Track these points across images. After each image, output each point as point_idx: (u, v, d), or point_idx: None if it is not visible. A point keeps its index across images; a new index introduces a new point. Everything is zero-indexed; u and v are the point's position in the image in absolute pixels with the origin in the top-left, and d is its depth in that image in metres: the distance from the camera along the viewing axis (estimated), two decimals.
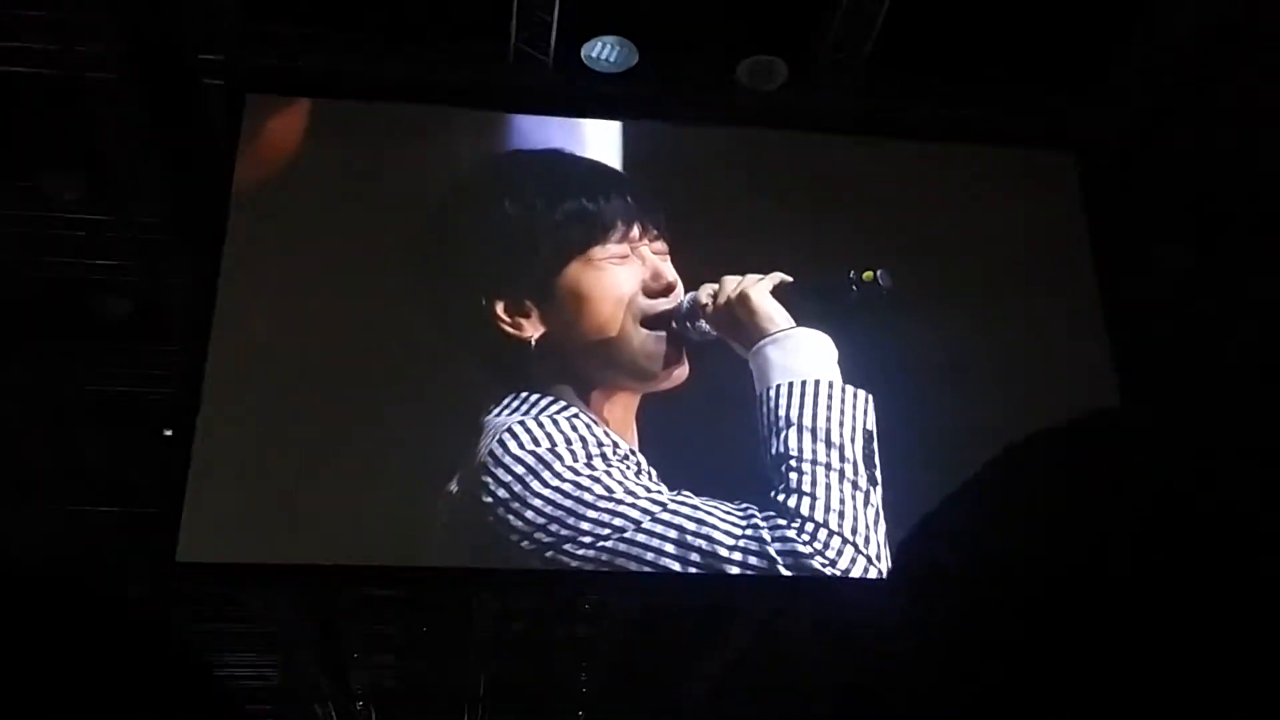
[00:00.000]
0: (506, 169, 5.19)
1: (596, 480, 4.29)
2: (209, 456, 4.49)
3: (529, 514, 4.27)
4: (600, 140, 5.21)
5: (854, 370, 4.51)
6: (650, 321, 4.58)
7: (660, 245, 4.67)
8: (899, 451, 4.52)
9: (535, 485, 4.26)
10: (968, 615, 0.62)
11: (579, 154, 5.14)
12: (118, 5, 4.60)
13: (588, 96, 5.28)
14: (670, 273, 4.64)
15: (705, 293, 4.58)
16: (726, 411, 4.50)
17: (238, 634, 8.85)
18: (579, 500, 4.27)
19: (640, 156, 5.19)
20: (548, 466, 4.28)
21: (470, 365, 4.68)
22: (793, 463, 4.30)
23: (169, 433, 5.52)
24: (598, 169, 5.09)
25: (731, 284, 4.56)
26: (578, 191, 4.80)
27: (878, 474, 4.37)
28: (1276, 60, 5.02)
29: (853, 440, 4.35)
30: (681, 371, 4.59)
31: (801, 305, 4.52)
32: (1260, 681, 0.54)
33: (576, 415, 4.40)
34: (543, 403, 4.43)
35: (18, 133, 5.11)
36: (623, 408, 4.61)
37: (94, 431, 6.79)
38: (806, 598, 4.81)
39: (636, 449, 4.51)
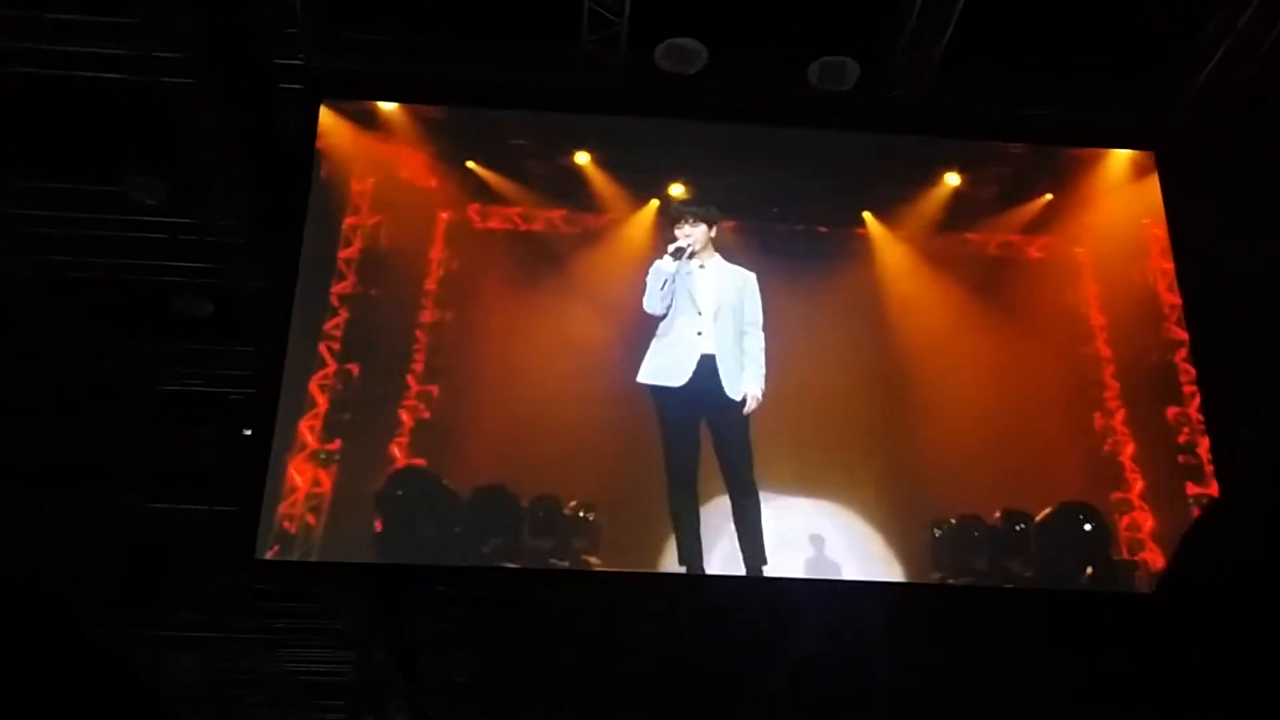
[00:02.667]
0: None
1: None
2: (287, 455, 4.57)
3: None
4: None
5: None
6: None
7: None
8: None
9: None
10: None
11: None
12: (196, 10, 4.68)
13: (658, 98, 5.28)
14: None
15: None
16: None
17: (314, 630, 8.95)
18: None
19: None
20: None
21: None
22: None
23: (248, 431, 5.59)
24: None
25: None
26: None
27: None
28: None
29: None
30: None
31: None
32: None
33: None
34: None
35: (101, 137, 5.22)
36: None
37: (175, 429, 6.90)
38: (868, 601, 4.81)
39: None
